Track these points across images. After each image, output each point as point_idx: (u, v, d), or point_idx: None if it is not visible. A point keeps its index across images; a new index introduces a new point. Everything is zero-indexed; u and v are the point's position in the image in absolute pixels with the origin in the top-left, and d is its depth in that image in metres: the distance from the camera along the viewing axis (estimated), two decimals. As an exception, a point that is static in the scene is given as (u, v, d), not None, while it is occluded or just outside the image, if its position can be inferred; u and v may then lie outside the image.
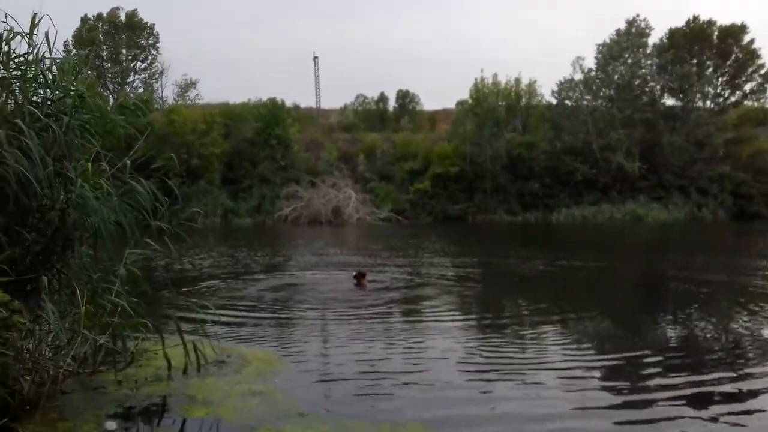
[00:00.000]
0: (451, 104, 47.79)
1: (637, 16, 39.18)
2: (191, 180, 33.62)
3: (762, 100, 40.58)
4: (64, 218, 4.97)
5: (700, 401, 4.68)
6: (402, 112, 53.88)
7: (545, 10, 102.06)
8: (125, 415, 4.23)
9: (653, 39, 39.42)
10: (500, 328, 7.58)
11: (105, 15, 46.38)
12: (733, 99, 40.41)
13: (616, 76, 38.59)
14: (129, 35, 46.47)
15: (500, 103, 39.41)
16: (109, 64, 46.27)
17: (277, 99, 41.22)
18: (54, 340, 4.67)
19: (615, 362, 5.87)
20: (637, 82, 38.78)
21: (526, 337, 7.04)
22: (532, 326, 7.61)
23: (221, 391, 4.68)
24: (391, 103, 56.02)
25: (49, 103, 5.22)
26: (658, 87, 39.26)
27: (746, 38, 39.11)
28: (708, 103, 40.18)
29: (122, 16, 46.66)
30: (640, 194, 36.66)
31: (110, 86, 45.57)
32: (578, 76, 39.22)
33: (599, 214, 35.63)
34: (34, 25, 5.08)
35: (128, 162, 5.41)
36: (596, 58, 39.31)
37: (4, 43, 4.91)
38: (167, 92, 50.77)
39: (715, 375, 5.38)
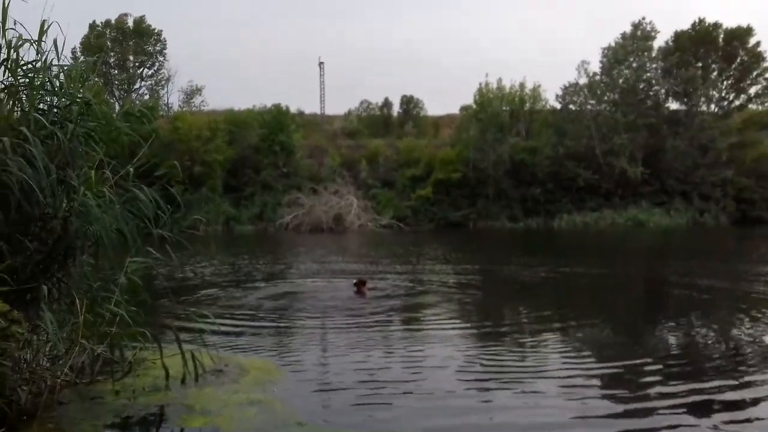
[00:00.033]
0: (455, 109, 47.87)
1: (643, 19, 39.25)
2: (193, 187, 33.68)
3: (767, 104, 40.50)
4: (67, 227, 4.99)
5: (701, 409, 4.65)
6: (406, 118, 53.92)
7: (546, 10, 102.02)
8: (123, 426, 4.23)
9: (658, 42, 39.46)
10: (500, 336, 7.57)
11: (113, 21, 46.64)
12: (737, 102, 40.33)
13: (620, 80, 38.57)
14: (137, 42, 46.73)
15: (504, 108, 39.42)
16: (116, 71, 46.51)
17: (282, 105, 41.39)
18: (52, 350, 4.67)
19: (616, 370, 5.84)
20: (641, 86, 38.74)
21: (527, 345, 7.01)
22: (532, 334, 7.58)
23: (219, 400, 4.67)
24: (396, 109, 56.16)
25: (55, 110, 5.25)
26: (663, 91, 39.21)
27: (752, 41, 39.09)
28: (712, 106, 40.12)
29: (130, 23, 46.94)
30: (642, 200, 36.59)
31: (117, 93, 45.79)
32: (583, 81, 39.28)
33: (601, 220, 35.57)
34: (42, 32, 5.11)
35: (131, 170, 5.44)
36: (601, 61, 39.36)
37: (12, 51, 4.94)
38: (173, 99, 50.85)
39: (717, 383, 5.35)
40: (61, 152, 4.97)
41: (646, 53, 38.93)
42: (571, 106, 39.58)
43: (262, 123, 39.10)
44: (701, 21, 39.70)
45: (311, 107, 54.52)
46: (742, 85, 39.78)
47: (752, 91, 39.93)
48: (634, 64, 38.78)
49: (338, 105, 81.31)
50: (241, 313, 8.91)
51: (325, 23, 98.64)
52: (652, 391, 5.13)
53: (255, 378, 5.33)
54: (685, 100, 39.16)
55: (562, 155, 37.08)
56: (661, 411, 4.62)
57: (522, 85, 40.30)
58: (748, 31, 39.12)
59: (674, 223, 34.73)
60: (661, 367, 5.95)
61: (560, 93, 39.79)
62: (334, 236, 30.64)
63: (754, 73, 39.42)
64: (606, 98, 39.12)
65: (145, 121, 6.73)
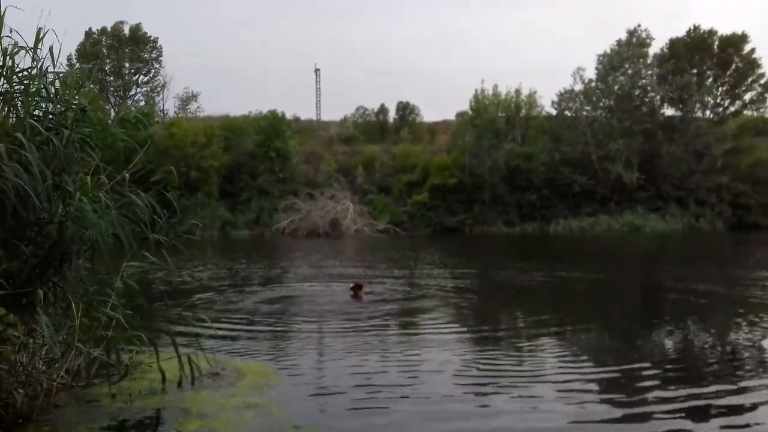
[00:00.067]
0: (451, 116, 47.92)
1: (638, 26, 39.32)
2: (189, 192, 33.63)
3: (762, 110, 40.60)
4: (62, 231, 4.99)
5: (699, 414, 4.66)
6: (402, 124, 53.92)
7: (542, 18, 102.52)
8: (119, 429, 4.22)
9: (653, 49, 39.62)
10: (497, 340, 7.58)
11: (109, 29, 46.64)
12: (732, 109, 40.44)
13: (616, 87, 38.69)
14: (132, 49, 46.72)
15: (500, 114, 39.51)
16: (111, 78, 46.49)
17: (278, 111, 41.38)
18: (48, 353, 4.67)
19: (613, 375, 5.86)
20: (637, 93, 38.87)
21: (524, 349, 7.02)
22: (529, 338, 7.58)
23: (216, 403, 4.67)
24: (392, 115, 56.17)
25: (50, 116, 5.27)
26: (658, 97, 39.36)
27: (747, 48, 39.24)
28: (707, 113, 40.25)
29: (126, 30, 46.95)
30: (638, 205, 36.65)
31: (112, 99, 45.75)
32: (578, 87, 39.36)
33: (597, 225, 35.63)
34: (38, 40, 5.14)
35: (127, 175, 5.45)
36: (597, 68, 39.44)
37: (8, 58, 4.95)
38: (168, 105, 50.89)
39: (714, 388, 5.36)
40: (57, 158, 4.98)
41: (641, 60, 39.06)
42: (567, 113, 39.65)
43: (257, 129, 39.08)
44: (696, 28, 39.91)
45: (307, 113, 54.46)
46: (737, 91, 39.92)
47: (747, 97, 40.08)
48: (630, 71, 38.90)
49: (334, 111, 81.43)
50: (238, 317, 8.90)
51: (320, 31, 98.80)
52: (650, 395, 5.13)
53: (252, 381, 5.32)
54: (681, 106, 39.29)
55: (558, 161, 37.15)
56: (658, 416, 4.62)
57: (518, 92, 40.38)
58: (742, 38, 39.32)
59: (670, 229, 34.82)
60: (658, 371, 5.97)
61: (556, 99, 39.90)
62: (331, 241, 30.63)
63: (749, 80, 39.57)
64: (601, 104, 39.22)
65: (141, 127, 6.74)
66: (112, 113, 28.46)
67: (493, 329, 8.35)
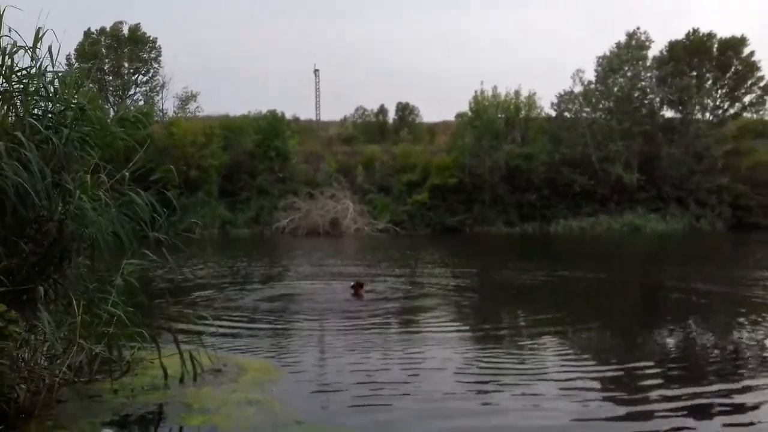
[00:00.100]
0: (450, 116, 47.91)
1: (637, 28, 39.33)
2: (189, 191, 33.61)
3: (761, 112, 40.60)
4: (62, 229, 4.99)
5: (701, 413, 4.65)
6: (401, 124, 53.91)
7: (542, 19, 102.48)
8: (121, 424, 4.22)
9: (653, 51, 39.65)
10: (499, 338, 7.57)
11: (108, 29, 46.62)
12: (732, 111, 40.45)
13: (615, 89, 38.70)
14: (131, 49, 46.66)
15: (499, 116, 39.52)
16: (110, 77, 46.46)
17: (277, 111, 41.37)
18: (50, 350, 4.66)
19: (615, 373, 5.84)
20: (636, 95, 38.88)
21: (525, 347, 7.01)
22: (530, 337, 7.58)
23: (218, 399, 4.67)
24: (391, 115, 56.16)
25: (50, 115, 5.28)
26: (658, 99, 39.37)
27: (746, 50, 39.25)
28: (707, 115, 40.26)
29: (125, 30, 46.92)
30: (638, 205, 36.66)
31: (111, 99, 45.71)
32: (578, 89, 39.38)
33: (597, 225, 35.64)
34: (37, 39, 5.15)
35: (127, 174, 5.45)
36: (596, 70, 39.45)
37: (7, 57, 4.96)
38: (168, 105, 50.83)
39: (716, 387, 5.35)
40: (56, 156, 4.99)
41: (640, 62, 39.08)
42: (567, 114, 39.66)
43: (257, 129, 39.08)
44: (695, 31, 39.92)
45: (307, 114, 54.47)
46: (736, 93, 39.94)
47: (747, 99, 40.08)
48: (629, 73, 38.92)
49: (334, 111, 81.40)
50: (239, 314, 8.90)
51: (320, 31, 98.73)
52: (652, 394, 5.12)
53: (253, 378, 5.32)
54: (680, 108, 39.29)
55: (558, 162, 37.16)
56: (661, 414, 4.62)
57: (517, 93, 40.38)
58: (741, 41, 39.35)
59: (670, 229, 34.84)
60: (660, 370, 5.95)
61: (555, 101, 39.93)
62: (331, 240, 30.63)
63: (749, 82, 39.58)
64: (601, 106, 39.24)
65: (140, 126, 6.74)
66: (112, 113, 28.47)
67: (495, 328, 8.34)
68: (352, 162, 40.53)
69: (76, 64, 36.50)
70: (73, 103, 5.29)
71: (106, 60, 45.30)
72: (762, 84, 39.19)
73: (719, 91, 40.12)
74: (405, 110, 55.93)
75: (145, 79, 48.11)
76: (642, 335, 7.97)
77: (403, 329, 8.30)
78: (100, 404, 4.52)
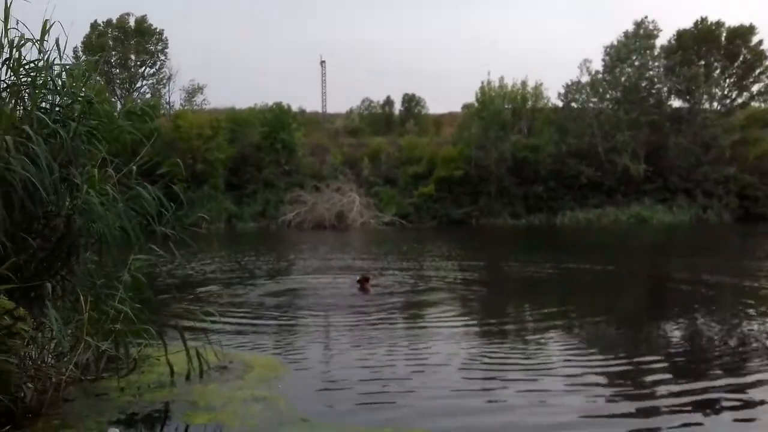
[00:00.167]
0: (457, 107, 47.77)
1: (645, 17, 39.11)
2: (196, 185, 33.70)
3: (769, 101, 40.42)
4: (70, 224, 4.99)
5: (710, 408, 4.61)
6: (408, 116, 53.82)
7: (549, 7, 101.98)
8: (128, 422, 4.23)
9: (661, 41, 39.38)
10: (505, 333, 7.55)
11: (114, 21, 46.64)
12: (740, 100, 40.24)
13: (623, 78, 38.51)
14: (138, 41, 46.70)
15: (506, 106, 39.39)
16: (117, 70, 46.50)
17: (283, 104, 41.34)
18: (57, 347, 4.68)
19: (623, 368, 5.81)
20: (644, 84, 38.68)
21: (532, 342, 6.99)
22: (537, 331, 7.56)
23: (224, 396, 4.67)
24: (397, 107, 56.06)
25: (57, 109, 5.26)
26: (665, 89, 39.14)
27: (755, 39, 38.99)
28: (715, 104, 40.03)
29: (131, 22, 46.94)
30: (645, 197, 36.54)
31: (118, 92, 45.79)
32: (585, 79, 39.22)
33: (604, 216, 35.55)
34: (45, 32, 5.12)
35: (134, 168, 5.44)
36: (603, 60, 39.28)
37: (14, 50, 4.95)
38: (174, 97, 50.83)
39: (725, 381, 5.31)
40: (64, 150, 4.97)
41: (648, 52, 38.85)
42: (574, 104, 39.54)
43: (263, 121, 39.08)
44: (703, 20, 39.62)
45: (313, 106, 54.44)
46: (744, 83, 39.70)
47: (755, 88, 39.88)
48: (637, 63, 38.71)
49: (340, 103, 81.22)
50: (246, 309, 8.91)
51: (327, 22, 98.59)
52: (660, 389, 5.08)
53: (259, 374, 5.33)
54: (688, 97, 39.08)
55: (565, 153, 37.04)
56: (669, 410, 4.57)
57: (524, 83, 40.29)
58: (750, 30, 39.04)
59: (677, 220, 34.70)
60: (668, 364, 5.93)
61: (562, 91, 39.76)
62: (337, 233, 30.64)
63: (757, 71, 39.34)
64: (608, 96, 39.07)
65: (147, 119, 6.73)
66: (119, 105, 28.52)
67: (501, 322, 8.32)
68: (358, 154, 40.51)
69: (83, 57, 36.60)
70: (81, 96, 5.27)
71: (113, 52, 45.32)
72: (770, 73, 38.88)
73: (727, 81, 39.92)
74: (411, 101, 55.81)
75: (151, 71, 48.24)
76: (649, 328, 7.94)
77: (409, 324, 8.30)
78: (107, 402, 4.54)
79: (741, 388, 5.07)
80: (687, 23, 40.95)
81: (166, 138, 32.06)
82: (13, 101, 5.07)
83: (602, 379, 5.42)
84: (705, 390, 5.04)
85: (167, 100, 48.78)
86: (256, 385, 5.02)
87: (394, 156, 40.00)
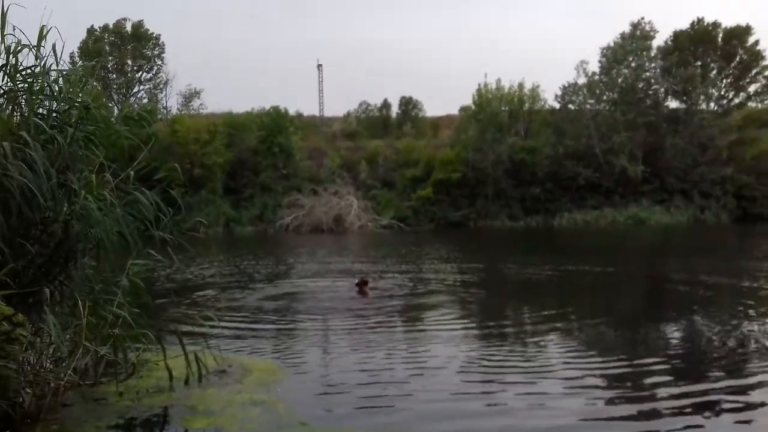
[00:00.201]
0: (454, 110, 47.86)
1: (642, 18, 39.21)
2: (193, 190, 33.69)
3: (766, 102, 40.53)
4: (68, 230, 4.99)
5: (710, 411, 4.59)
6: (405, 119, 53.88)
7: (546, 9, 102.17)
8: (127, 427, 4.23)
9: (657, 41, 39.49)
10: (504, 335, 7.55)
11: (111, 26, 46.65)
12: (737, 101, 40.36)
13: (619, 80, 38.60)
14: (135, 46, 46.74)
15: (503, 108, 39.45)
16: (114, 75, 46.52)
17: (280, 107, 41.33)
18: (55, 352, 4.67)
19: (622, 370, 5.80)
20: (641, 85, 38.75)
21: (530, 344, 6.99)
22: (536, 333, 7.56)
23: (222, 401, 4.67)
24: (394, 110, 56.13)
25: (54, 114, 5.27)
26: (662, 90, 39.23)
27: (751, 39, 39.15)
28: (712, 105, 40.13)
29: (128, 27, 46.95)
30: (642, 198, 36.60)
31: (115, 97, 45.78)
32: (582, 80, 39.31)
33: (601, 218, 35.59)
34: (41, 38, 5.13)
35: (132, 173, 5.44)
36: (600, 61, 39.38)
37: (11, 56, 4.95)
38: (171, 102, 50.86)
39: (725, 383, 5.29)
40: (61, 156, 4.98)
41: (645, 53, 38.94)
42: (570, 106, 39.61)
43: (260, 125, 39.06)
44: (700, 20, 39.75)
45: (310, 109, 54.56)
46: (741, 83, 39.82)
47: (752, 89, 40.02)
48: (633, 64, 38.80)
49: (337, 107, 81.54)
50: (244, 313, 8.90)
51: (323, 26, 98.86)
52: (660, 391, 5.07)
53: (258, 378, 5.32)
54: (685, 98, 39.17)
55: (562, 155, 37.09)
56: (670, 412, 4.55)
57: (521, 86, 40.34)
58: (746, 30, 39.19)
59: (675, 221, 34.75)
60: (668, 366, 5.91)
61: (559, 93, 39.84)
62: (335, 237, 30.63)
63: (754, 72, 39.48)
64: (605, 98, 39.15)
65: (144, 124, 6.73)
66: (116, 111, 28.54)
67: (500, 324, 8.31)
68: (355, 158, 40.53)
69: (79, 63, 36.61)
70: (78, 102, 5.28)
71: (110, 58, 45.32)
72: (767, 73, 39.05)
73: (724, 81, 40.03)
74: (408, 104, 55.89)
75: (148, 76, 48.26)
76: (648, 329, 7.95)
77: (408, 327, 8.28)
78: (106, 407, 4.53)
79: (741, 390, 5.06)
80: (683, 24, 41.19)
81: (164, 143, 32.02)
82: (10, 107, 5.08)
83: (602, 382, 5.42)
84: (705, 392, 5.03)
85: (164, 104, 48.84)
86: (255, 389, 5.02)
87: (392, 159, 40.03)
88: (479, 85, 39.87)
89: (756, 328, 7.52)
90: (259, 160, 37.86)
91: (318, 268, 15.60)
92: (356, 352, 6.53)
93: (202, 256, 17.02)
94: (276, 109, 40.74)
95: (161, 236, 5.45)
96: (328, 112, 54.18)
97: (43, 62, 5.12)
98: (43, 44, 5.13)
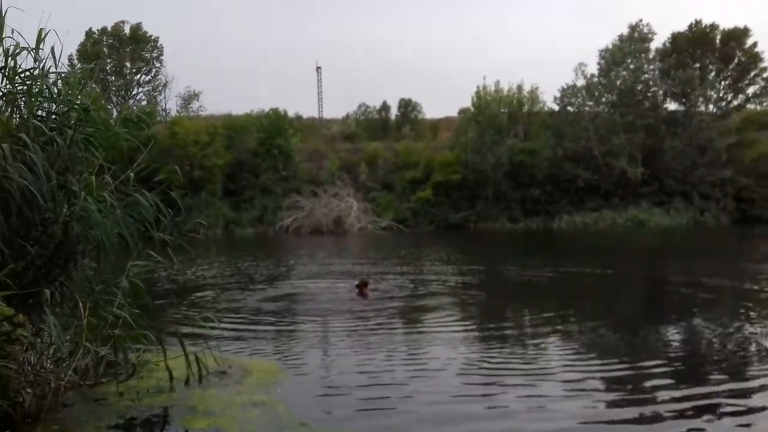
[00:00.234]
0: (454, 112, 47.93)
1: (640, 21, 39.27)
2: (193, 191, 33.72)
3: (765, 104, 40.61)
4: (68, 231, 5.00)
5: (711, 414, 4.57)
6: (404, 121, 53.93)
7: (545, 10, 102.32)
8: (127, 427, 4.23)
9: (656, 44, 39.56)
10: (504, 337, 7.54)
11: (109, 29, 46.71)
12: (735, 103, 40.42)
13: (618, 82, 38.66)
14: (133, 48, 46.80)
15: (502, 110, 39.49)
16: (113, 77, 46.56)
17: (280, 109, 41.40)
18: (56, 353, 4.67)
19: (622, 372, 5.78)
20: (639, 87, 38.81)
21: (530, 346, 6.98)
22: (536, 335, 7.55)
23: (222, 401, 4.67)
24: (394, 112, 56.16)
25: (54, 117, 5.28)
26: (661, 92, 39.29)
27: (749, 41, 39.22)
28: (710, 107, 40.19)
29: (126, 30, 47.00)
30: (641, 200, 36.63)
31: (114, 99, 45.82)
32: (581, 82, 39.38)
33: (601, 220, 35.60)
34: (40, 40, 5.14)
35: (131, 174, 5.45)
36: (599, 63, 39.45)
37: (10, 59, 4.96)
38: (170, 104, 50.91)
39: (726, 386, 5.27)
40: (61, 158, 4.99)
41: (643, 55, 39.00)
42: (569, 108, 39.65)
43: (260, 127, 39.11)
44: (698, 23, 39.83)
45: (309, 111, 54.63)
46: (740, 85, 39.88)
47: (750, 91, 40.07)
48: (632, 66, 38.86)
49: (336, 109, 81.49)
50: (244, 314, 8.90)
51: (322, 27, 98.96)
52: (661, 394, 5.05)
53: (258, 379, 5.32)
54: (683, 100, 39.24)
55: (561, 157, 37.14)
56: (671, 415, 4.54)
57: (520, 88, 40.39)
58: (744, 32, 39.25)
59: (674, 223, 34.75)
60: (669, 369, 5.88)
61: (558, 95, 39.90)
62: (335, 238, 30.63)
63: (752, 74, 39.54)
64: (604, 100, 39.21)
65: (144, 126, 6.74)
66: (115, 113, 28.56)
67: (500, 326, 8.31)
68: (354, 159, 40.58)
69: (78, 65, 36.63)
70: (77, 104, 5.29)
71: (108, 60, 45.37)
72: (765, 75, 39.22)
73: (722, 83, 40.11)
74: (408, 106, 55.95)
75: (147, 78, 48.34)
76: (649, 332, 7.93)
77: (408, 329, 8.28)
78: (106, 407, 4.53)
79: (742, 393, 5.04)
80: (681, 26, 41.28)
81: (163, 145, 32.08)
82: (10, 109, 5.09)
83: (602, 384, 5.41)
84: (706, 395, 5.01)
85: (163, 106, 48.88)
86: (255, 390, 5.01)
87: (391, 161, 40.07)
88: (478, 87, 40.03)
89: (757, 330, 7.50)
90: (258, 162, 37.89)
91: (318, 269, 15.60)
92: (356, 353, 6.53)
93: (202, 258, 17.02)
94: (275, 111, 40.85)
95: (161, 238, 5.46)
96: (327, 114, 54.37)
97: (41, 65, 5.14)
98: (41, 47, 5.14)
